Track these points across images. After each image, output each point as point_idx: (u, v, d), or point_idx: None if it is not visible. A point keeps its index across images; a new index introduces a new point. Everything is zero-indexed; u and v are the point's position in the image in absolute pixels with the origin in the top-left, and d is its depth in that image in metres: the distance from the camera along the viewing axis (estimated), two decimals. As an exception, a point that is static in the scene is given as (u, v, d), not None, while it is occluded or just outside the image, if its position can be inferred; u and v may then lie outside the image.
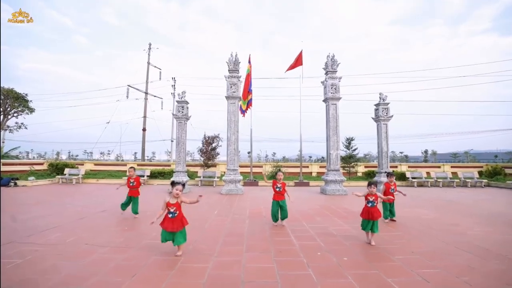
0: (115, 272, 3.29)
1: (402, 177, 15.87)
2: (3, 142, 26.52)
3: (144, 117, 28.65)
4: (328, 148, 11.66)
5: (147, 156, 32.38)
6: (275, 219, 5.75)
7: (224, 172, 11.93)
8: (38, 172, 17.59)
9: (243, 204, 8.76)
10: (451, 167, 21.36)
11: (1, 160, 18.85)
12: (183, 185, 4.09)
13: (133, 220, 6.11)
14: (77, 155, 40.27)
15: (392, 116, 11.75)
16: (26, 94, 17.01)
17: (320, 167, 22.06)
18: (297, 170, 20.07)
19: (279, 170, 5.90)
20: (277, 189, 5.65)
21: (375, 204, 4.37)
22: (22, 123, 17.77)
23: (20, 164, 19.15)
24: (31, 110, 17.44)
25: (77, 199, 9.70)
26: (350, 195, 10.93)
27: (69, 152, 40.92)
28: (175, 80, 31.44)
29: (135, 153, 36.45)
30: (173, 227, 3.75)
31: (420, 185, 15.32)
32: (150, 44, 30.45)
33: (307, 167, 22.19)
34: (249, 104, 14.82)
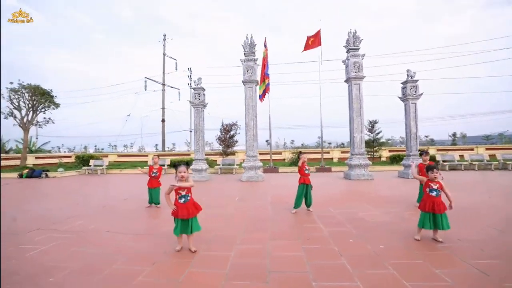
0: (134, 260, 3.14)
1: (431, 160, 14.84)
2: (36, 138, 28.03)
3: (163, 108, 29.00)
4: (352, 131, 11.01)
5: (168, 147, 33.05)
6: (299, 204, 5.42)
7: (243, 160, 11.70)
8: (66, 164, 18.41)
9: (264, 190, 8.51)
10: (486, 149, 19.86)
11: (35, 154, 19.96)
12: (187, 164, 3.82)
13: (155, 209, 6.03)
14: (102, 149, 42.06)
15: (421, 94, 10.77)
16: (51, 90, 17.59)
17: (342, 152, 21.33)
18: (317, 156, 19.59)
19: (300, 153, 5.52)
20: (306, 171, 5.33)
21: (439, 193, 3.51)
22: (49, 118, 18.46)
23: (50, 157, 20.16)
24: (57, 105, 18.02)
25: (101, 188, 9.95)
26: (376, 179, 10.32)
27: (95, 146, 42.92)
28: (191, 71, 31.39)
29: (156, 144, 37.44)
30: (189, 212, 3.37)
31: (453, 168, 14.25)
32: (164, 35, 30.42)
33: (328, 152, 21.55)
34: (266, 88, 14.37)
